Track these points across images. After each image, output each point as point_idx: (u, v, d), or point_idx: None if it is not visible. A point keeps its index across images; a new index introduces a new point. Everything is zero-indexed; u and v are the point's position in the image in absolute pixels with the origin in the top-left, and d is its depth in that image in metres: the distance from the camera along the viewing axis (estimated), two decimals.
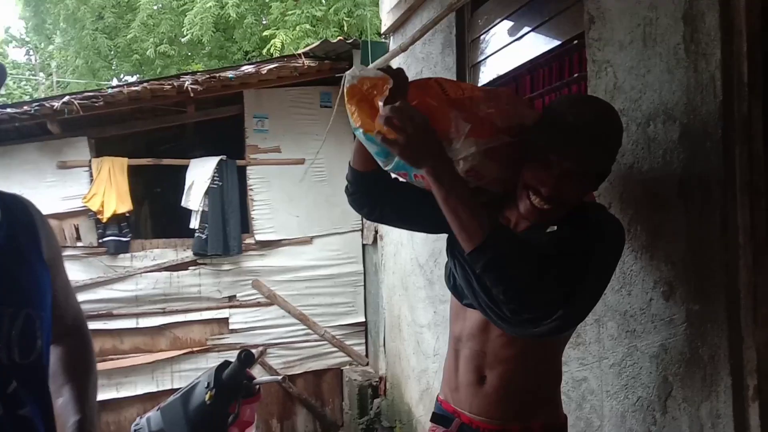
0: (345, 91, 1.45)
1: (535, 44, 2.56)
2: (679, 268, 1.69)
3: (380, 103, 1.30)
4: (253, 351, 1.73)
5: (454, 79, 3.13)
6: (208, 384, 1.71)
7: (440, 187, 1.25)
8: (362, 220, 4.84)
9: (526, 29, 2.61)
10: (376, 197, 1.58)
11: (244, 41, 8.49)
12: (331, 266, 4.92)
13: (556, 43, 2.42)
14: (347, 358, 4.99)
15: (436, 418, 1.63)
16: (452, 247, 1.56)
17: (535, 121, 1.40)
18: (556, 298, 1.29)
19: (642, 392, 1.81)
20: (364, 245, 5.02)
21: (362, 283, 5.02)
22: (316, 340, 4.89)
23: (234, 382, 1.70)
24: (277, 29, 7.71)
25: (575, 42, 2.25)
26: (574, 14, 2.25)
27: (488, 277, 1.26)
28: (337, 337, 4.93)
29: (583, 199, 1.45)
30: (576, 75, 2.26)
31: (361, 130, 1.40)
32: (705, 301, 1.61)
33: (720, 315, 1.56)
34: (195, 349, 4.64)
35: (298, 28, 7.54)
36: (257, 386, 1.80)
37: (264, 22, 8.65)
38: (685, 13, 1.65)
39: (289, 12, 7.85)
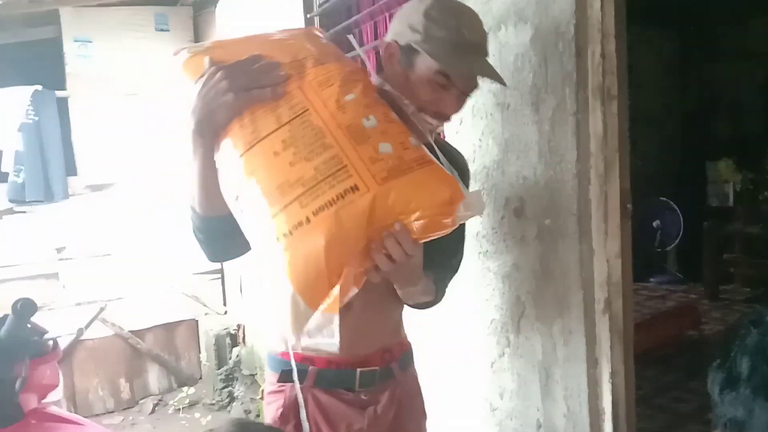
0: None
1: None
2: (531, 182, 1.59)
3: None
4: (33, 299, 1.38)
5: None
6: None
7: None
8: None
9: None
10: (234, 237, 1.11)
11: None
12: (178, 208, 4.47)
13: None
14: (203, 309, 4.65)
15: (285, 377, 1.30)
16: None
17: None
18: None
19: (496, 314, 1.73)
20: None
21: None
22: (165, 291, 4.47)
23: (14, 340, 1.36)
24: None
25: None
26: None
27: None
28: (190, 285, 4.56)
29: None
30: None
31: None
32: (556, 215, 1.52)
33: (571, 228, 1.48)
34: None
35: None
36: (51, 341, 1.47)
37: None
38: None
39: None
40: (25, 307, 1.34)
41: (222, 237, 1.16)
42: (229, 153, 1.03)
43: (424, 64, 1.15)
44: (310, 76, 1.06)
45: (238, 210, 1.03)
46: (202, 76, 1.06)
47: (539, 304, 1.59)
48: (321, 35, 1.22)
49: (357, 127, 0.99)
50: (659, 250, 5.15)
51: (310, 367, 1.29)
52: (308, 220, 0.92)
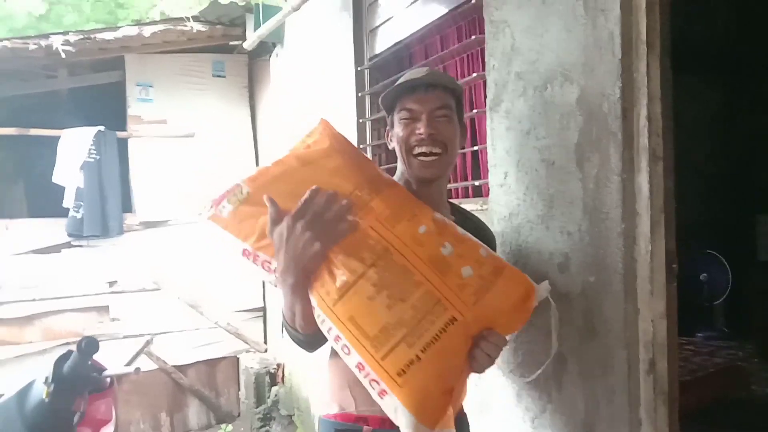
0: (213, 220, 1.29)
1: (435, 6, 2.42)
2: (575, 239, 1.61)
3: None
4: (95, 337, 1.46)
5: (352, 44, 2.95)
6: (47, 378, 1.43)
7: None
8: None
9: None
10: None
11: (133, 8, 7.83)
12: (226, 248, 4.60)
13: (455, 4, 2.28)
14: (244, 346, 4.72)
15: None
16: None
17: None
18: None
19: (538, 369, 1.73)
20: None
21: None
22: (209, 327, 4.57)
23: (77, 375, 1.44)
24: None
25: (473, 2, 2.13)
26: None
27: None
28: (233, 323, 4.65)
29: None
30: (474, 37, 2.14)
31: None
32: (601, 272, 1.53)
33: (616, 286, 1.49)
34: (71, 340, 4.19)
35: None
36: (108, 379, 1.54)
37: None
38: None
39: None
40: (89, 346, 1.42)
41: (324, 340, 1.21)
42: (324, 298, 1.09)
43: (395, 114, 1.42)
44: (375, 210, 1.14)
45: (339, 347, 1.10)
46: (275, 224, 1.12)
47: (583, 360, 1.58)
48: (340, 134, 1.34)
49: (438, 258, 1.09)
50: (707, 304, 5.00)
51: (364, 427, 1.30)
52: (418, 358, 1.02)
